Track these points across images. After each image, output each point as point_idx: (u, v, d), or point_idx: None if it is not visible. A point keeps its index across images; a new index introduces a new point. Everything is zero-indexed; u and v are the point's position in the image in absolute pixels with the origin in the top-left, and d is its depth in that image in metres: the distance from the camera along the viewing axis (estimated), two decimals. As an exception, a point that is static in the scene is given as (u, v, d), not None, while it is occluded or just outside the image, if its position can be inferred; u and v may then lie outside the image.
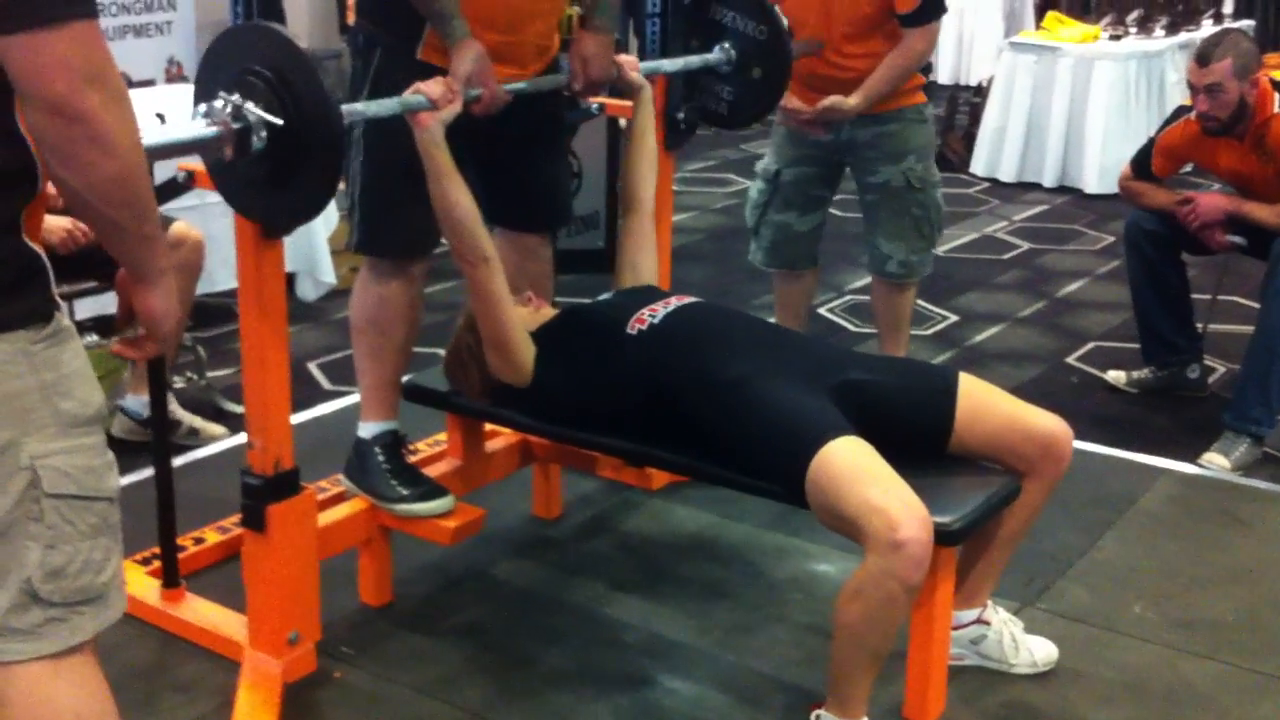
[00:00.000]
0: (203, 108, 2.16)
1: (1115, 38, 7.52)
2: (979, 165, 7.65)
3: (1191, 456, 3.80)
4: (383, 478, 2.85)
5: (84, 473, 1.57)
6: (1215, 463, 3.76)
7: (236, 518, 2.79)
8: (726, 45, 3.25)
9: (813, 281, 4.08)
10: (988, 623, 2.69)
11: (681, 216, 6.39)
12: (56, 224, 2.98)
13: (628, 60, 3.03)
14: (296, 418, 2.65)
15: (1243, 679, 2.72)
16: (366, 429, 2.89)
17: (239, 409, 3.70)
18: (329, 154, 2.18)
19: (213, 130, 2.13)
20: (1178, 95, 7.02)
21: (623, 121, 5.63)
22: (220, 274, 4.29)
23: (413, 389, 3.03)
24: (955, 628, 2.62)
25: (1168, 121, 4.20)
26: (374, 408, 2.89)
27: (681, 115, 3.34)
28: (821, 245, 4.01)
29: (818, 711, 2.36)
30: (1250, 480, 3.70)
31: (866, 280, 5.33)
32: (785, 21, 3.20)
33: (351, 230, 2.86)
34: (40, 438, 1.53)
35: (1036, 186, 7.40)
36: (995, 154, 7.58)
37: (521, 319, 2.70)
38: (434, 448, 3.24)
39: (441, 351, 2.97)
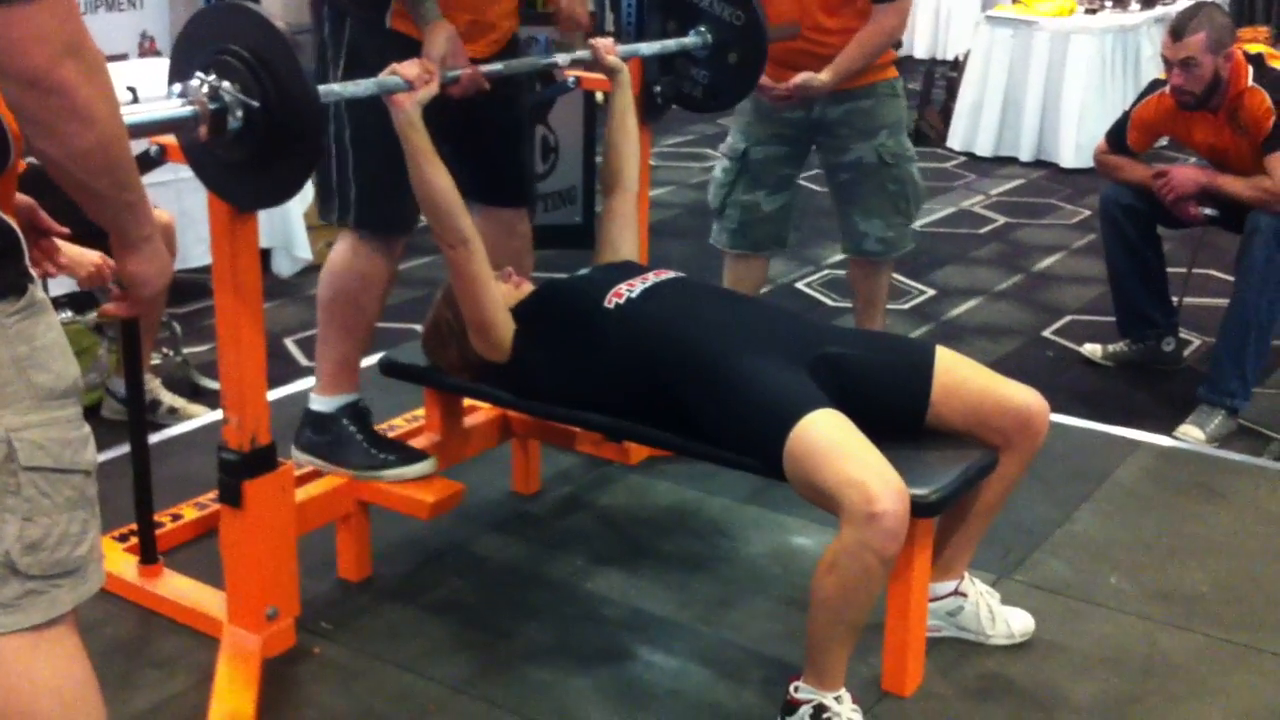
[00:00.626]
0: (178, 87, 2.14)
1: (1091, 11, 7.53)
2: (956, 139, 7.66)
3: (1167, 429, 3.82)
4: (360, 448, 2.84)
5: (60, 446, 1.56)
6: (1190, 435, 3.78)
7: (214, 494, 2.78)
8: (703, 29, 3.24)
9: (765, 269, 3.99)
10: (965, 595, 2.71)
11: (658, 192, 6.39)
12: (86, 258, 2.86)
13: (604, 44, 3.01)
14: (273, 394, 2.64)
15: (1218, 649, 2.74)
16: (329, 402, 2.85)
17: (215, 385, 3.69)
18: (307, 137, 2.17)
19: (188, 110, 2.11)
20: (1153, 69, 7.03)
21: (600, 96, 5.62)
22: (195, 250, 4.27)
23: (390, 365, 3.02)
24: (932, 600, 2.64)
25: (1142, 95, 4.20)
26: (339, 381, 2.86)
27: (659, 89, 3.33)
28: (797, 220, 4.00)
29: (796, 683, 2.37)
30: (1225, 452, 3.72)
31: (844, 256, 5.36)
32: (761, 9, 3.19)
33: (338, 205, 2.82)
34: (15, 410, 1.52)
35: (1013, 161, 7.42)
36: (972, 128, 7.59)
37: (501, 296, 2.69)
38: (411, 423, 3.24)
39: (418, 327, 2.96)
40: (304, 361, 4.30)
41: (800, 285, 5.21)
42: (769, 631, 2.78)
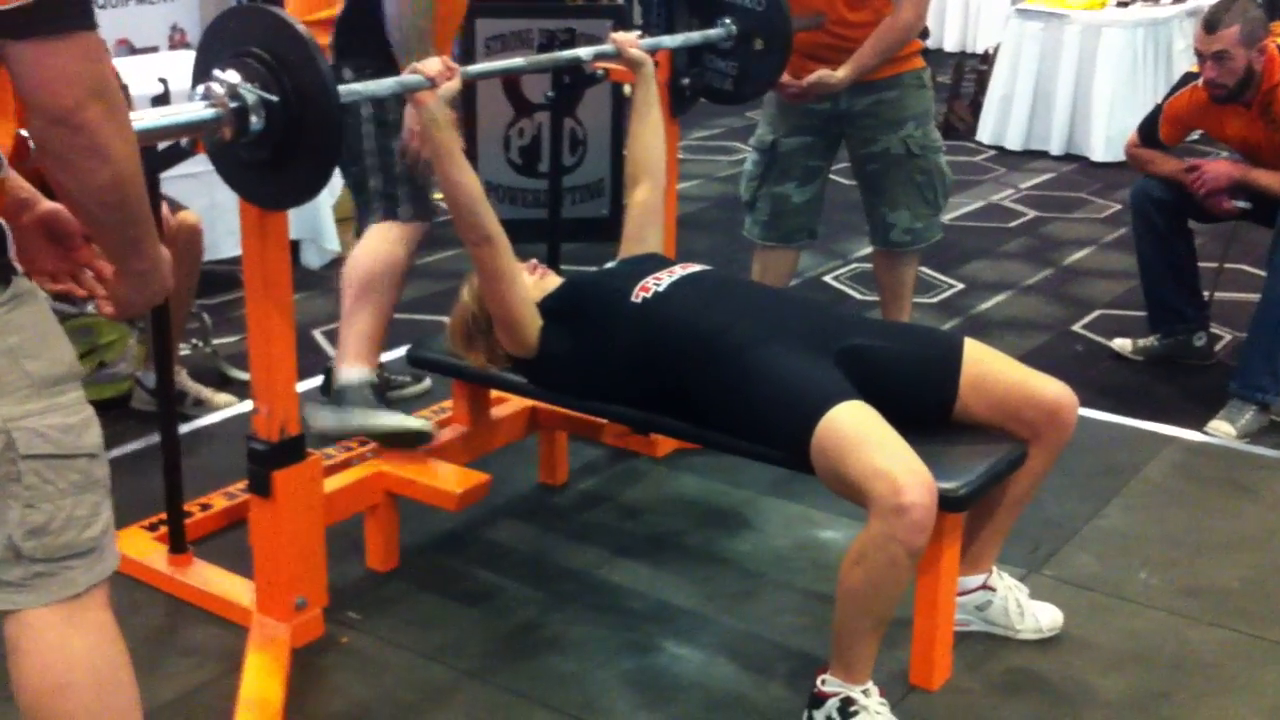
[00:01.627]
0: (201, 89, 2.16)
1: (1123, 4, 7.47)
2: (985, 133, 7.62)
3: (1197, 424, 3.80)
4: (368, 401, 2.90)
5: (60, 432, 1.59)
6: (1221, 430, 3.75)
7: (243, 484, 2.80)
8: (727, 20, 3.24)
9: (795, 262, 3.98)
10: (993, 589, 2.70)
11: (686, 185, 6.38)
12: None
13: (627, 38, 3.02)
14: (302, 385, 2.65)
15: (1248, 646, 2.73)
16: (356, 373, 2.93)
17: (245, 376, 3.70)
18: (327, 133, 2.18)
19: (211, 111, 2.14)
20: (1185, 62, 6.98)
21: (627, 88, 5.62)
22: (225, 242, 4.29)
23: (418, 357, 3.03)
24: (961, 594, 2.63)
25: (1175, 88, 4.18)
26: (364, 354, 2.96)
27: (686, 82, 3.32)
28: (825, 214, 3.99)
29: (823, 676, 2.37)
30: (1256, 448, 3.70)
31: (872, 249, 5.34)
32: None
33: (390, 204, 2.96)
34: (12, 400, 1.55)
35: (1043, 154, 7.37)
36: (1002, 122, 7.55)
37: (526, 289, 2.69)
38: (439, 415, 3.25)
39: (446, 319, 2.96)
40: (332, 352, 4.31)
41: (828, 278, 5.20)
42: (795, 624, 2.78)
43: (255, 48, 2.15)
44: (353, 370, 2.92)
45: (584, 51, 3.01)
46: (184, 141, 2.50)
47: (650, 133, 3.04)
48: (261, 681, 2.48)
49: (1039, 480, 2.60)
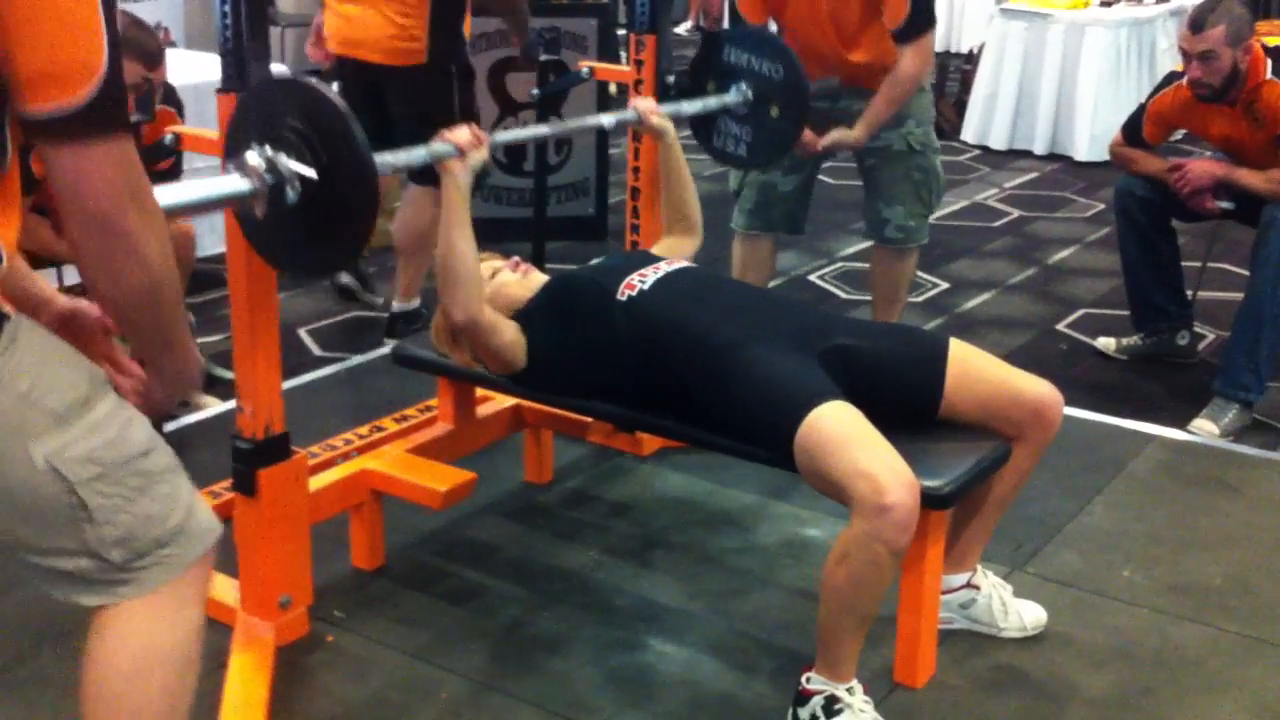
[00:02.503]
0: (236, 162, 2.11)
1: (1106, 4, 7.50)
2: (970, 132, 7.64)
3: (1181, 422, 3.81)
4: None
5: (104, 447, 1.57)
6: (1204, 429, 3.77)
7: (228, 482, 2.78)
8: (743, 86, 3.23)
9: (772, 255, 4.00)
10: (977, 587, 2.70)
11: (672, 183, 6.37)
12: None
13: (647, 105, 2.99)
14: (286, 383, 2.65)
15: (1231, 643, 2.74)
16: (409, 303, 4.26)
17: (229, 375, 3.69)
18: (364, 205, 2.12)
19: (247, 185, 2.09)
20: (1168, 62, 7.01)
21: (613, 87, 5.62)
22: (209, 240, 4.28)
23: (403, 355, 3.03)
24: (945, 592, 2.64)
25: (1159, 87, 4.19)
26: (413, 291, 4.28)
27: (671, 79, 3.33)
28: (811, 212, 4.00)
29: (808, 674, 2.37)
30: (1239, 446, 3.71)
31: (857, 247, 5.36)
32: (799, 61, 3.18)
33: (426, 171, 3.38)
34: (46, 439, 1.53)
35: (1027, 154, 7.40)
36: (986, 121, 7.57)
37: (509, 330, 2.65)
38: (425, 413, 3.24)
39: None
40: (317, 352, 4.31)
41: (813, 277, 5.20)
42: (781, 622, 2.78)
43: (290, 119, 2.11)
44: (407, 304, 4.24)
45: (605, 119, 3.00)
46: (167, 139, 2.49)
47: (686, 189, 3.04)
48: (246, 680, 2.48)
49: (1024, 479, 2.61)
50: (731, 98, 3.24)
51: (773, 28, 3.74)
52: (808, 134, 3.54)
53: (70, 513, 1.56)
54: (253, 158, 2.09)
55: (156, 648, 1.66)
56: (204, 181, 2.15)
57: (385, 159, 2.40)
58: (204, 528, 1.70)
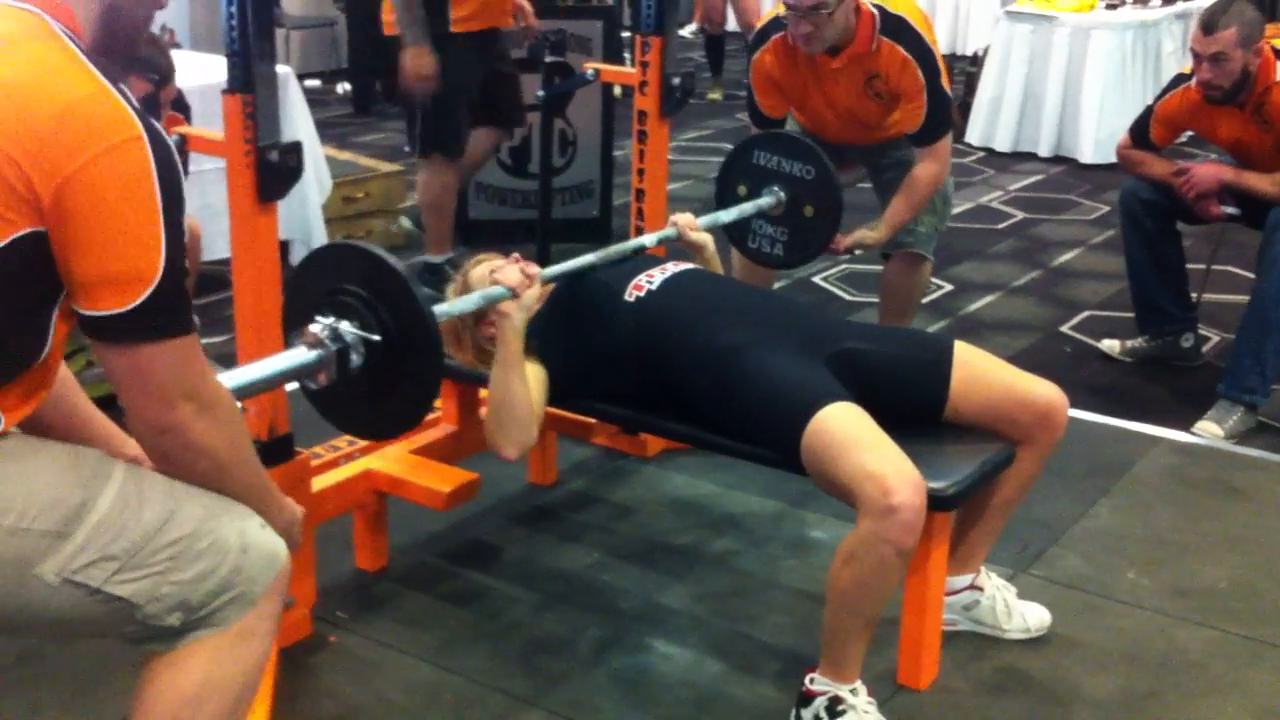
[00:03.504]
0: (300, 333, 2.11)
1: (1112, 6, 7.49)
2: (974, 135, 7.63)
3: (1185, 425, 3.81)
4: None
5: (114, 541, 1.56)
6: (1209, 431, 3.76)
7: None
8: (776, 188, 3.22)
9: None
10: (981, 589, 2.70)
11: (676, 186, 6.38)
12: None
13: (686, 220, 2.95)
14: (291, 384, 2.64)
15: (1236, 645, 2.73)
16: (439, 258, 4.76)
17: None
18: (428, 360, 2.11)
19: (314, 355, 2.07)
20: (1174, 65, 7.01)
21: (617, 89, 5.63)
22: (216, 243, 4.28)
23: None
24: (949, 593, 2.63)
25: (1166, 90, 4.18)
26: (442, 245, 4.82)
27: (677, 81, 3.32)
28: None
29: (812, 675, 2.37)
30: (1244, 449, 3.71)
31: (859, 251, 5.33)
32: (830, 161, 3.19)
33: (421, 143, 4.64)
34: (51, 559, 1.53)
35: (1032, 156, 7.39)
36: (991, 124, 7.56)
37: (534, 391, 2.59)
38: (428, 413, 3.24)
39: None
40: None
41: (817, 279, 5.20)
42: (784, 624, 2.78)
43: (348, 284, 2.10)
44: (437, 256, 4.77)
45: (648, 239, 2.94)
46: (174, 141, 2.49)
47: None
48: (250, 681, 2.48)
49: (1030, 482, 2.60)
50: (766, 201, 3.22)
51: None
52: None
53: (107, 608, 1.56)
54: (317, 327, 2.08)
55: (219, 679, 1.65)
56: (270, 360, 2.11)
57: (441, 308, 2.38)
58: (265, 560, 1.68)
